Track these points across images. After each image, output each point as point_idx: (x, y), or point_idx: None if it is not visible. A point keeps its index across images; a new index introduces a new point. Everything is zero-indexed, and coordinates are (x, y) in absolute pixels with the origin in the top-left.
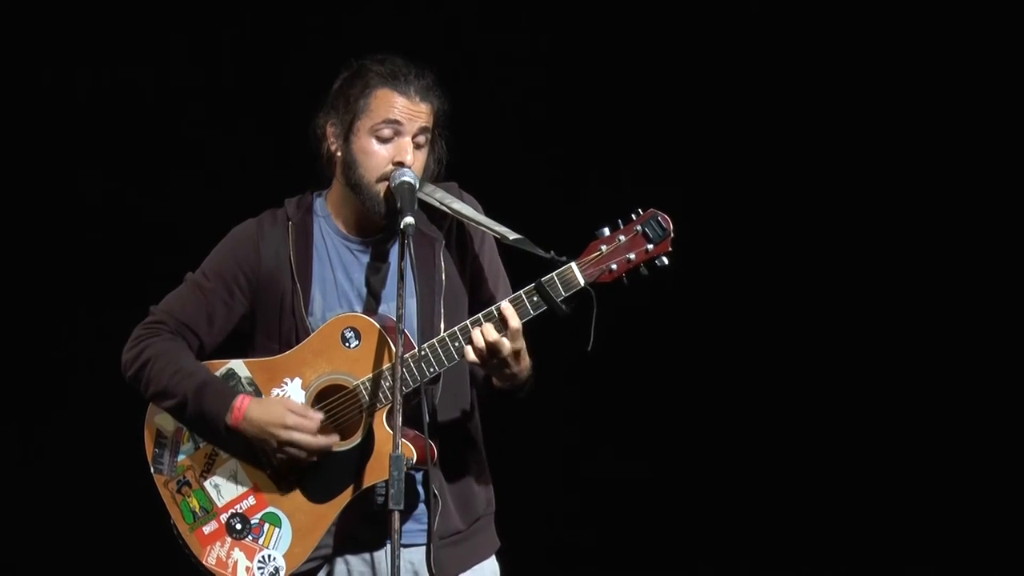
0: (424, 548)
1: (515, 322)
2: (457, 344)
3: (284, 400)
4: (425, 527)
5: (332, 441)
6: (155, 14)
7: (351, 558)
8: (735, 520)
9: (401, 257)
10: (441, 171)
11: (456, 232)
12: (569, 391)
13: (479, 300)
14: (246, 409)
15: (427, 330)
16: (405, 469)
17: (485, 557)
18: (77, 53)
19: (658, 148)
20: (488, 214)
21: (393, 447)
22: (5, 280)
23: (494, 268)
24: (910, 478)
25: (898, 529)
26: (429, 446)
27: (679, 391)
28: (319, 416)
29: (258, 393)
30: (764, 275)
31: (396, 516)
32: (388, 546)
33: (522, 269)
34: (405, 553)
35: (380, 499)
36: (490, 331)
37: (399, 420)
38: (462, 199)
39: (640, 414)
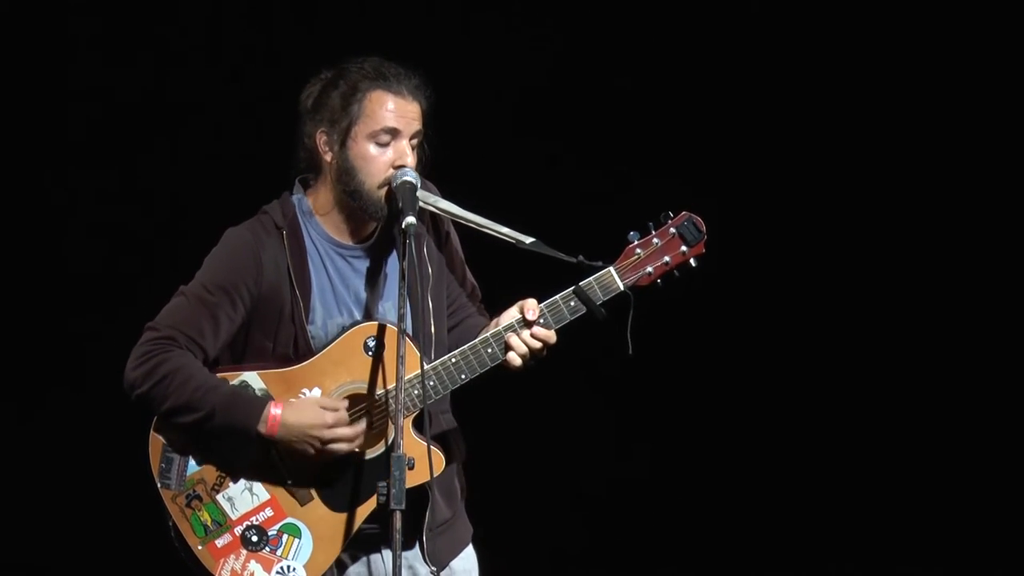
0: (415, 544)
1: (550, 332)
2: (491, 350)
3: (312, 399)
4: (414, 525)
5: (362, 428)
6: (146, 15)
7: (348, 560)
8: (734, 520)
9: (402, 257)
10: (426, 171)
11: (431, 224)
12: (568, 391)
13: (454, 282)
14: (282, 416)
15: (420, 327)
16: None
17: (467, 543)
18: (68, 53)
19: (663, 151)
20: (493, 217)
21: (395, 447)
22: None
23: (459, 247)
24: (909, 478)
25: (898, 529)
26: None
27: (678, 391)
28: (344, 403)
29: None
30: (763, 277)
31: (398, 516)
32: (387, 545)
33: (522, 265)
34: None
35: (382, 499)
36: (538, 333)
37: (401, 421)
38: (429, 190)
39: (638, 414)
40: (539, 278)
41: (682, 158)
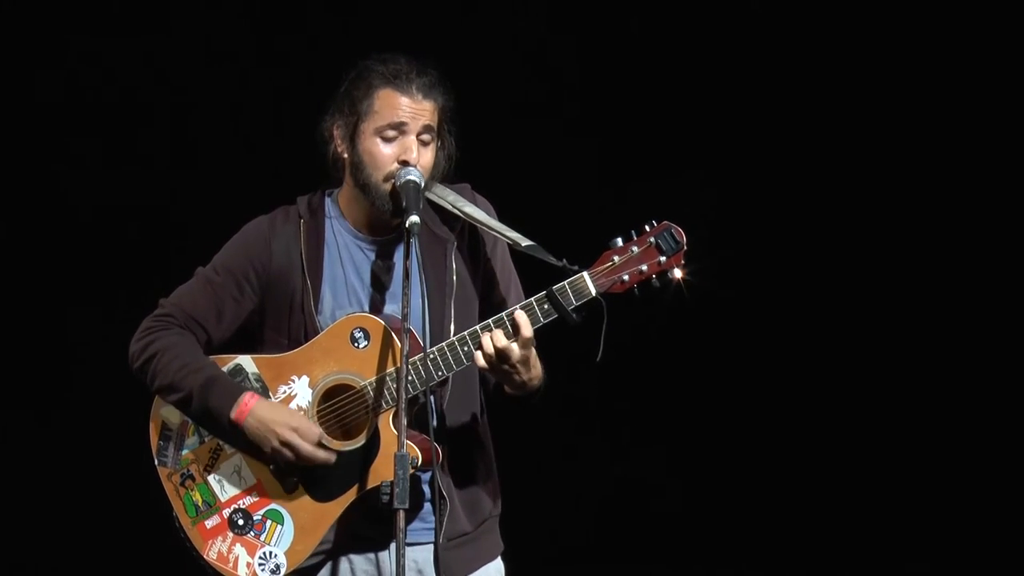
0: (428, 547)
1: (527, 330)
2: (466, 348)
3: (289, 408)
4: (431, 527)
5: (328, 458)
6: (164, 8)
7: (354, 556)
8: (736, 521)
9: (407, 256)
10: (451, 168)
11: (468, 234)
12: (574, 392)
13: (490, 303)
14: (252, 406)
15: (437, 331)
16: (411, 470)
17: (491, 559)
18: (82, 45)
19: (670, 155)
20: (502, 219)
21: (398, 446)
22: (13, 273)
23: (506, 271)
24: (909, 478)
25: (898, 528)
26: (435, 448)
27: (683, 394)
28: (319, 431)
29: (265, 389)
30: (765, 279)
31: (401, 515)
32: (392, 545)
33: (534, 275)
34: (410, 552)
35: (385, 498)
36: (499, 337)
37: (404, 420)
38: (475, 202)
39: (645, 415)
40: (543, 279)
41: (687, 159)
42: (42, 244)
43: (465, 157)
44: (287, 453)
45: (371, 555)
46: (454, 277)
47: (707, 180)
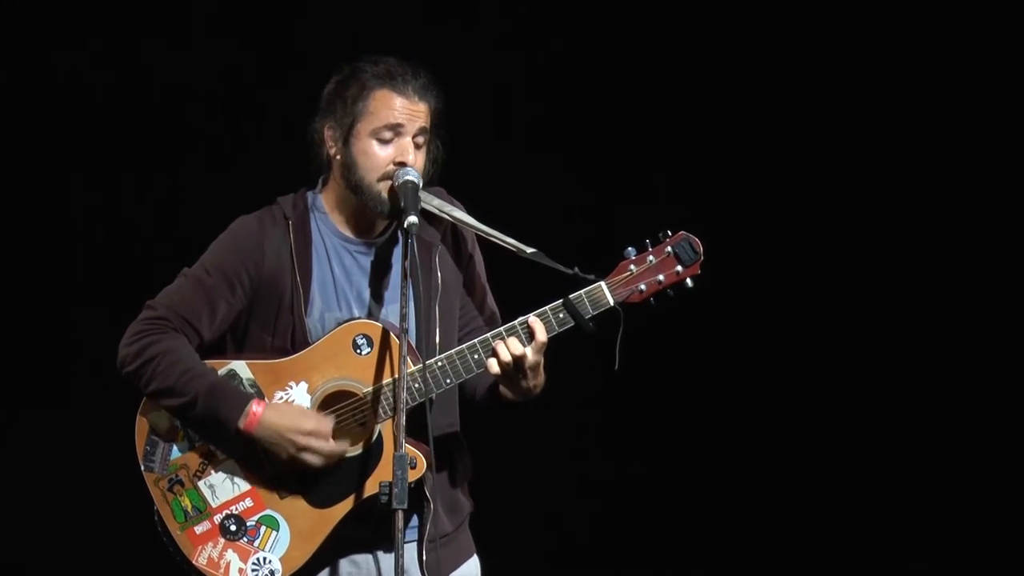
0: (411, 546)
1: (542, 336)
2: (476, 356)
3: (298, 406)
4: (414, 527)
5: (344, 448)
6: (154, 8)
7: (342, 560)
8: (735, 521)
9: (405, 257)
10: (437, 172)
11: (451, 236)
12: (575, 393)
13: (471, 304)
14: (262, 414)
15: (423, 337)
16: (418, 476)
17: (469, 556)
18: (72, 48)
19: (664, 158)
20: (496, 225)
21: (397, 446)
22: (11, 273)
23: (482, 273)
24: (909, 478)
25: (898, 528)
26: (431, 454)
27: (678, 392)
28: (331, 421)
29: (260, 395)
30: (763, 279)
31: (399, 515)
32: (380, 547)
33: (528, 280)
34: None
35: (384, 498)
36: (515, 344)
37: (402, 420)
38: (453, 204)
39: (639, 415)
40: (536, 288)
41: (684, 163)
42: (39, 244)
43: (451, 158)
44: (306, 457)
45: (357, 556)
46: (439, 282)
47: (703, 180)
